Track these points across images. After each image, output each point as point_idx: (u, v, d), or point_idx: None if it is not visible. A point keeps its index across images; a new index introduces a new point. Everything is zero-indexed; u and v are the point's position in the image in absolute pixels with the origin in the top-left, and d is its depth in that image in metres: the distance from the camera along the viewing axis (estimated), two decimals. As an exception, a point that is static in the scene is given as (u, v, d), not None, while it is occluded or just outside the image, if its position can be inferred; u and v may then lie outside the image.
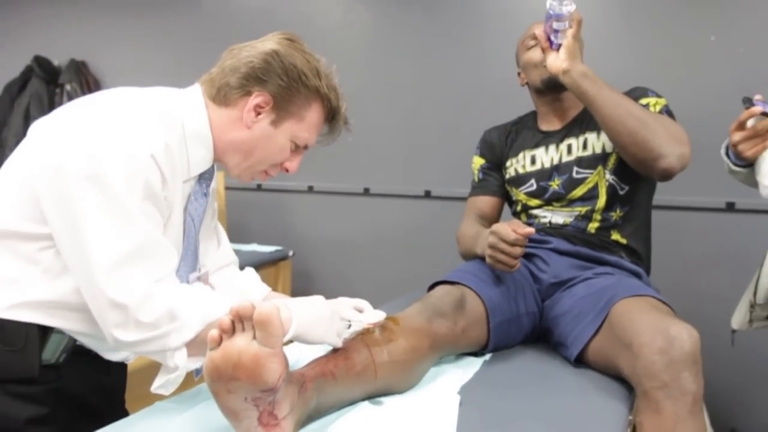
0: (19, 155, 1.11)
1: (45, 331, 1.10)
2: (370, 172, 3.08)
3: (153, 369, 1.11)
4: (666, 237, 2.04)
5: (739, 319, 1.60)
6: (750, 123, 1.42)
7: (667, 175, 1.58)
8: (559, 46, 1.66)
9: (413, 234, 3.00)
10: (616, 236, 1.72)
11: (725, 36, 2.39)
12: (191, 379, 1.17)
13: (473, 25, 2.82)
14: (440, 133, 2.90)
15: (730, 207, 2.41)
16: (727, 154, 1.57)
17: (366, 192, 3.11)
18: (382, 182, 3.07)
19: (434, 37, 2.90)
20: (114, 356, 1.21)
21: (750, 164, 1.50)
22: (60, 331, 1.12)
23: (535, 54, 1.79)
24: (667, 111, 1.69)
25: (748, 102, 1.42)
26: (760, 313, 1.54)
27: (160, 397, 1.18)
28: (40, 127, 1.11)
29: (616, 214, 1.71)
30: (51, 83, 3.82)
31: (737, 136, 1.46)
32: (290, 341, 1.14)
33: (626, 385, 1.37)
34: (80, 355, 1.16)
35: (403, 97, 2.99)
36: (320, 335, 1.16)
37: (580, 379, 1.43)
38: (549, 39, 1.69)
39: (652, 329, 1.27)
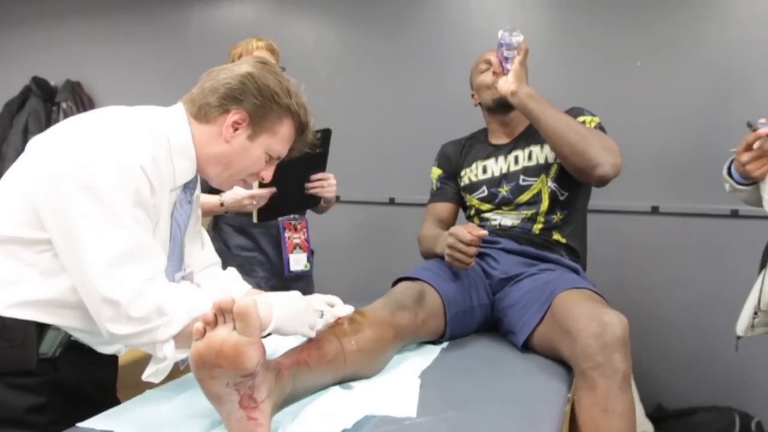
0: (18, 167, 1.09)
1: (42, 328, 1.08)
2: (340, 182, 3.03)
3: (143, 362, 1.09)
4: (600, 237, 2.08)
5: (743, 326, 1.50)
6: (756, 145, 1.36)
7: (602, 182, 1.61)
8: (509, 71, 1.70)
9: (379, 236, 3.00)
10: (557, 236, 1.74)
11: (649, 62, 2.45)
12: (178, 369, 1.16)
13: (431, 50, 2.84)
14: (402, 146, 2.91)
15: (655, 210, 2.46)
16: (729, 174, 1.49)
17: (336, 199, 3.08)
18: (351, 191, 3.06)
19: (397, 61, 2.92)
20: (106, 350, 1.19)
21: (754, 182, 1.42)
22: (56, 328, 1.10)
23: (487, 77, 1.81)
24: (600, 127, 1.73)
25: (753, 126, 1.35)
26: (763, 319, 1.46)
27: (149, 386, 1.17)
28: (37, 141, 1.09)
29: (557, 217, 1.74)
30: (48, 102, 3.73)
31: (745, 157, 1.38)
32: (269, 334, 1.13)
33: (566, 367, 1.39)
34: (75, 349, 1.14)
35: (369, 114, 3.00)
36: (296, 327, 1.15)
37: (526, 362, 1.45)
38: (501, 64, 1.72)
39: (588, 317, 1.29)
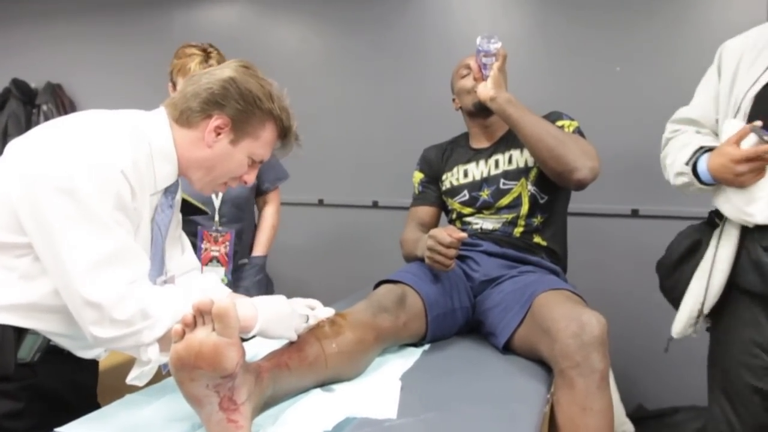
0: (-4, 171, 1.09)
1: (20, 332, 1.08)
2: (324, 185, 3.09)
3: (123, 366, 1.09)
4: (581, 240, 2.10)
5: (679, 328, 1.47)
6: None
7: (581, 185, 1.63)
8: (488, 77, 1.72)
9: (362, 240, 3.01)
10: (537, 239, 1.77)
11: (628, 67, 2.49)
12: (159, 373, 1.16)
13: (414, 54, 2.86)
14: (385, 150, 2.93)
15: (635, 213, 2.50)
16: (694, 173, 1.41)
17: (320, 203, 3.11)
18: (335, 194, 3.08)
19: (379, 65, 2.94)
20: (86, 354, 1.19)
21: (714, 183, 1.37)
22: (35, 332, 1.09)
23: (467, 82, 1.83)
24: (578, 131, 1.75)
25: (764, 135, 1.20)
26: (703, 322, 1.43)
27: (130, 390, 1.17)
28: (17, 144, 1.08)
29: (537, 220, 1.76)
30: (28, 104, 3.70)
31: (745, 167, 1.26)
32: (253, 336, 1.14)
33: (546, 368, 1.41)
34: (54, 354, 1.13)
35: (352, 117, 3.01)
36: (281, 332, 1.17)
37: (506, 364, 1.46)
38: (480, 70, 1.74)
39: (567, 317, 1.31)
